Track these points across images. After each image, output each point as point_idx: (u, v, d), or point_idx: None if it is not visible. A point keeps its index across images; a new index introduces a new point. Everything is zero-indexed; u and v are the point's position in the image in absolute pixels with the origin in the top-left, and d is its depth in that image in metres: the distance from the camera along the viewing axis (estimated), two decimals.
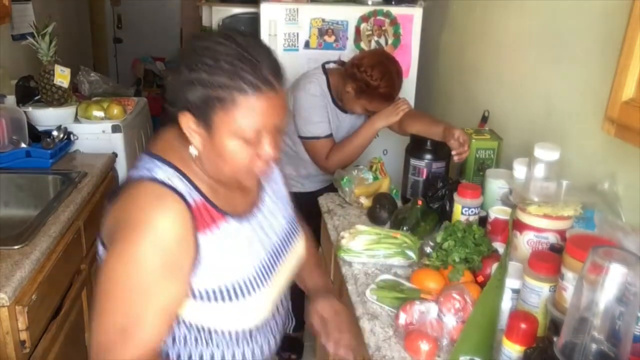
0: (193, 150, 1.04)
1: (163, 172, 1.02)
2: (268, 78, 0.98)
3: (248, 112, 0.97)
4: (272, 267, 1.14)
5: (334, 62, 2.31)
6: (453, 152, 1.82)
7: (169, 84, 1.03)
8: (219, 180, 1.07)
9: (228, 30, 1.08)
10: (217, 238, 1.04)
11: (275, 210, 1.22)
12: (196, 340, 1.07)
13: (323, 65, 2.28)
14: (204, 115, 0.98)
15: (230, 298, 1.05)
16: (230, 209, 1.08)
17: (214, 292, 1.04)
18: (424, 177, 1.92)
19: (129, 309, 0.97)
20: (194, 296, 1.03)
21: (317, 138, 2.21)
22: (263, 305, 1.11)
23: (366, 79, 2.07)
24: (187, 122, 1.01)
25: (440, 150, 1.91)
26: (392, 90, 2.11)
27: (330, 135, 2.22)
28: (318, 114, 2.19)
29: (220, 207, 1.06)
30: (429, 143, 1.94)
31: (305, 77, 2.25)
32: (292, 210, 1.29)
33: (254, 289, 1.07)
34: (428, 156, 1.93)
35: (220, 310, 1.05)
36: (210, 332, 1.07)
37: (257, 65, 0.97)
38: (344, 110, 2.26)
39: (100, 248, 1.08)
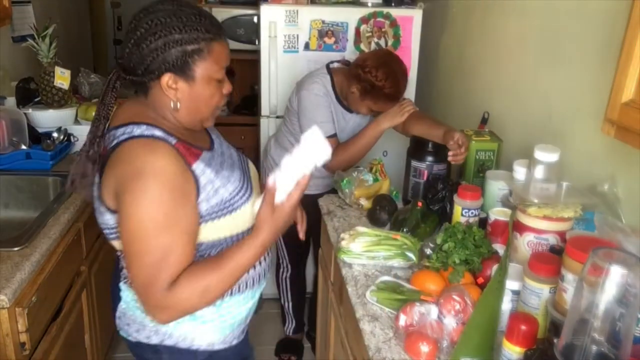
0: (177, 104, 1.21)
1: (140, 130, 1.18)
2: (220, 27, 1.22)
3: (218, 56, 1.20)
4: (248, 179, 1.35)
5: (338, 61, 2.30)
6: (449, 154, 1.83)
7: (136, 58, 1.17)
8: (184, 127, 1.26)
9: (162, 1, 1.21)
10: (204, 165, 1.22)
11: (223, 142, 1.41)
12: (199, 256, 1.25)
13: (327, 65, 2.26)
14: (185, 69, 1.17)
15: (229, 211, 1.25)
16: (199, 145, 1.27)
17: (217, 208, 1.23)
18: (425, 179, 1.92)
19: (160, 242, 1.12)
20: (203, 218, 1.22)
21: None
22: (251, 215, 1.29)
23: (371, 79, 2.05)
24: (167, 81, 1.18)
25: (442, 153, 1.91)
26: (397, 90, 2.10)
27: (334, 135, 2.20)
28: (322, 114, 2.18)
29: (193, 144, 1.24)
30: (430, 145, 1.94)
31: (309, 77, 2.24)
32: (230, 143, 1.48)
33: (246, 196, 1.29)
34: (429, 158, 1.93)
35: (223, 223, 1.25)
36: (212, 245, 1.26)
37: (211, 18, 1.20)
38: (349, 110, 2.24)
39: (107, 215, 1.22)
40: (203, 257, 1.25)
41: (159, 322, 1.22)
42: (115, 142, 1.18)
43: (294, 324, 2.72)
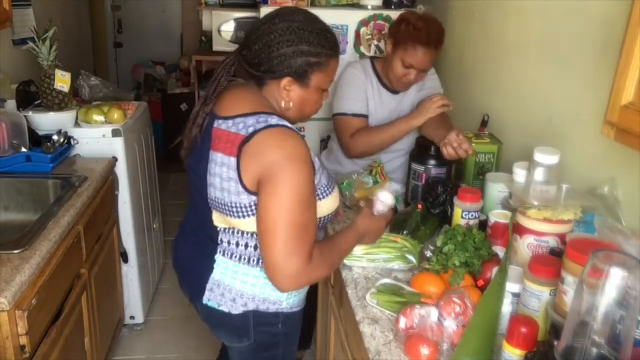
0: (284, 103, 1.40)
1: (274, 120, 1.33)
2: (338, 46, 1.41)
3: (332, 71, 1.41)
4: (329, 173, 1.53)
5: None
6: (441, 144, 1.83)
7: (263, 57, 1.34)
8: (290, 122, 1.39)
9: (297, 11, 1.39)
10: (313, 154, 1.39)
11: None
12: None
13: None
14: (304, 76, 1.36)
15: (325, 194, 1.42)
16: None
17: (318, 192, 1.39)
18: (423, 182, 1.92)
19: (304, 218, 1.29)
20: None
21: (345, 115, 2.13)
22: (335, 200, 1.48)
23: (403, 19, 2.03)
24: (285, 84, 1.37)
25: (442, 156, 1.90)
26: (427, 32, 1.98)
27: (363, 116, 2.13)
28: (353, 91, 2.13)
29: None
30: (432, 149, 1.93)
31: (348, 63, 2.22)
32: None
33: (331, 187, 1.46)
34: (430, 161, 1.92)
35: (322, 205, 1.41)
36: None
37: (334, 37, 1.39)
38: (392, 91, 2.17)
39: (245, 196, 1.33)
40: None
41: (285, 289, 1.36)
42: (252, 129, 1.31)
43: None
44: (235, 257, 1.43)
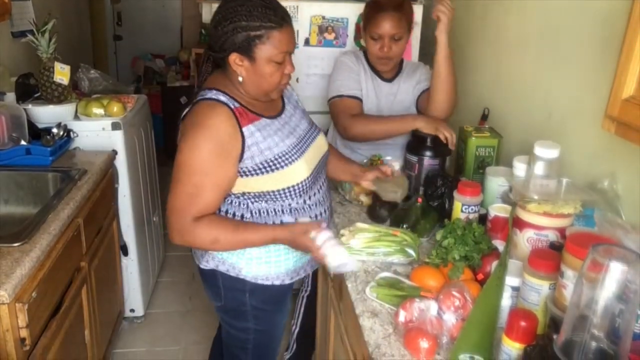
0: (240, 78, 1.48)
1: (210, 94, 1.48)
2: (284, 17, 1.45)
3: (277, 42, 1.44)
4: (302, 147, 1.57)
5: None
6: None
7: (214, 38, 1.47)
8: (255, 98, 1.53)
9: None
10: (256, 128, 1.49)
11: (295, 115, 1.67)
12: (246, 200, 1.55)
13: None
14: (248, 51, 1.44)
15: (272, 169, 1.49)
16: (263, 112, 1.54)
17: (261, 166, 1.48)
18: (416, 172, 1.92)
19: (194, 182, 1.44)
20: (244, 174, 1.49)
21: (341, 96, 2.10)
22: (299, 172, 1.53)
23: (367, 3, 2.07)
24: (235, 59, 1.46)
25: (436, 148, 1.91)
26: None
27: (357, 99, 2.10)
28: (345, 74, 2.12)
29: (254, 111, 1.51)
30: (428, 140, 1.93)
31: (340, 53, 2.24)
32: (309, 119, 1.74)
33: (289, 161, 1.51)
34: (424, 152, 1.92)
35: (266, 179, 1.50)
36: (258, 195, 1.53)
37: (276, 9, 1.44)
38: (385, 79, 2.16)
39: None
40: (247, 205, 1.55)
41: (173, 240, 1.49)
42: (193, 101, 1.50)
43: (293, 350, 2.47)
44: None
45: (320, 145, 1.69)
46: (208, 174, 1.44)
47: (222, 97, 1.47)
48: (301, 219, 1.57)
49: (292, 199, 1.56)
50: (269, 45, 1.43)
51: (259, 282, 1.61)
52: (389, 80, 2.17)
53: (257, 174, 1.50)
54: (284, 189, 1.53)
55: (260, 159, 1.48)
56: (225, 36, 1.43)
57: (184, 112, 1.52)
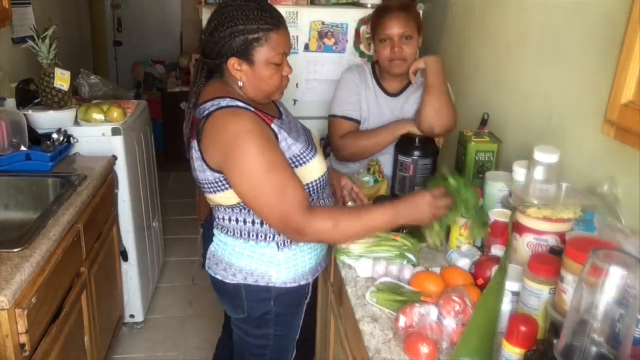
0: (240, 83, 1.49)
1: (226, 102, 1.45)
2: (279, 19, 1.46)
3: (275, 44, 1.45)
4: (312, 144, 1.58)
5: None
6: None
7: (210, 45, 1.46)
8: (256, 102, 1.52)
9: None
10: (277, 127, 1.49)
11: (290, 117, 1.67)
12: None
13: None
14: (247, 54, 1.44)
15: (300, 163, 1.50)
16: (271, 114, 1.53)
17: (292, 161, 1.47)
18: (411, 173, 1.93)
19: (273, 181, 1.40)
20: None
21: (336, 116, 2.11)
22: (319, 166, 1.55)
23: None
24: (234, 64, 1.46)
25: (427, 148, 1.93)
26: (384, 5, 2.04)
27: (353, 120, 2.10)
28: (345, 94, 2.12)
29: (266, 113, 1.51)
30: (417, 140, 1.94)
31: (347, 68, 2.23)
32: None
33: (310, 156, 1.52)
34: (416, 152, 1.93)
35: (299, 174, 1.47)
36: None
37: (272, 12, 1.45)
38: (391, 95, 2.13)
39: (209, 173, 1.46)
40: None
41: (305, 241, 1.54)
42: (206, 112, 1.45)
43: (293, 356, 2.46)
44: (230, 232, 1.58)
45: (317, 141, 1.70)
46: (277, 165, 1.41)
47: (240, 104, 1.46)
48: None
49: (310, 195, 1.53)
50: (266, 47, 1.44)
51: (288, 285, 1.60)
52: (395, 95, 2.14)
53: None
54: (308, 184, 1.51)
55: (290, 154, 1.48)
56: (223, 42, 1.43)
57: (199, 128, 1.47)
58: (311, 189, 1.53)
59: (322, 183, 1.57)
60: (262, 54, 1.44)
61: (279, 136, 1.47)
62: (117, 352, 2.72)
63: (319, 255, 1.68)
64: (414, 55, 2.04)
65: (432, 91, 1.96)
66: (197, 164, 1.49)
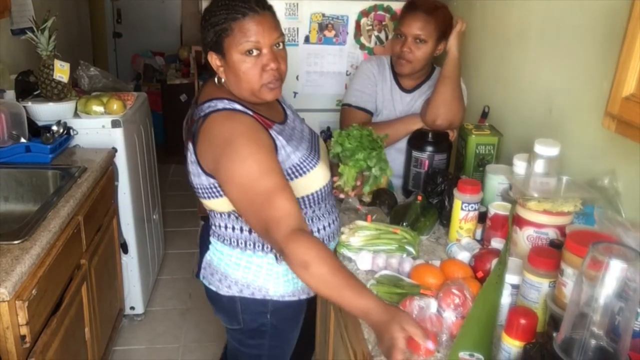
0: (223, 80, 1.41)
1: (223, 104, 1.38)
2: (253, 6, 1.33)
3: (244, 32, 1.33)
4: (315, 151, 1.51)
5: None
6: None
7: (202, 46, 1.41)
8: (253, 103, 1.42)
9: None
10: (276, 133, 1.41)
11: (297, 119, 1.60)
12: None
13: None
14: (220, 47, 1.36)
15: (299, 174, 1.42)
16: (272, 118, 1.46)
17: (289, 171, 1.40)
18: (426, 169, 1.92)
19: (262, 187, 1.29)
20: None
21: (350, 106, 2.09)
22: (321, 175, 1.48)
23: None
24: (213, 60, 1.40)
25: (442, 143, 1.91)
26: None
27: (366, 111, 2.08)
28: (361, 83, 2.10)
29: (265, 116, 1.43)
30: (430, 135, 1.93)
31: (367, 58, 2.22)
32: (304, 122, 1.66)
33: (311, 165, 1.45)
34: (432, 148, 1.92)
35: (293, 185, 1.37)
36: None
37: (246, 1, 1.33)
38: (406, 90, 2.11)
39: (204, 178, 1.41)
40: None
41: (291, 255, 1.23)
42: (202, 114, 1.38)
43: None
44: (226, 240, 1.51)
45: (324, 147, 1.62)
46: (268, 171, 1.30)
47: (237, 106, 1.39)
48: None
49: (310, 207, 1.49)
50: (237, 35, 1.33)
51: (286, 299, 1.54)
52: (409, 91, 2.12)
53: (288, 180, 1.38)
54: (307, 196, 1.46)
55: (288, 164, 1.41)
56: (204, 39, 1.39)
57: (194, 129, 1.39)
58: (311, 200, 1.48)
59: (322, 194, 1.50)
60: (231, 44, 1.34)
61: (277, 143, 1.39)
62: (117, 344, 2.73)
63: None
64: (423, 59, 2.01)
65: (446, 81, 1.96)
66: (192, 167, 1.44)
